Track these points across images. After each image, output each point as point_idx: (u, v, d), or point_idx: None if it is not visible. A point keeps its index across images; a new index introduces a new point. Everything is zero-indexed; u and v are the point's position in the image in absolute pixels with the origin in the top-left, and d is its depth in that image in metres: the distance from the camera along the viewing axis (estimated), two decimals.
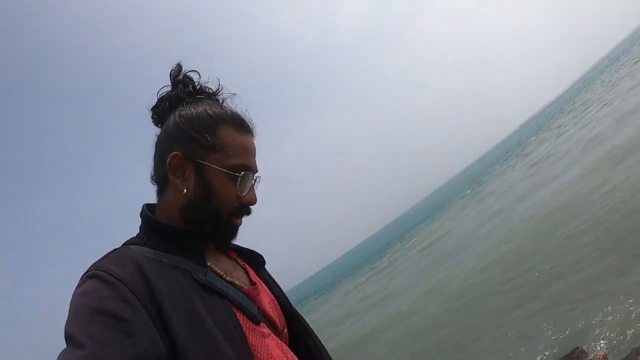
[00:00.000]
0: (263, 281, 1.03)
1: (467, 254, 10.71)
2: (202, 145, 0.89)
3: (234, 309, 0.86)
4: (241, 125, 0.93)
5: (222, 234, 0.93)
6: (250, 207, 0.94)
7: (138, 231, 0.92)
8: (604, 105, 16.87)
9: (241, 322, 0.84)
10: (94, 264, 0.80)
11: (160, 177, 0.92)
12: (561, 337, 4.44)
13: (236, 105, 0.96)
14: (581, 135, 14.59)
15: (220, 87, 0.97)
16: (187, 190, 0.88)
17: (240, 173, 0.90)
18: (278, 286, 1.07)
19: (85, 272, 0.79)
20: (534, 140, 29.29)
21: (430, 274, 11.92)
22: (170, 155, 0.88)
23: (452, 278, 9.70)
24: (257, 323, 0.88)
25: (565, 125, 21.98)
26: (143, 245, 0.86)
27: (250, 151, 0.93)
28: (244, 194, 0.91)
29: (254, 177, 0.94)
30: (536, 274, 6.35)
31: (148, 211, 0.92)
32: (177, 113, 0.91)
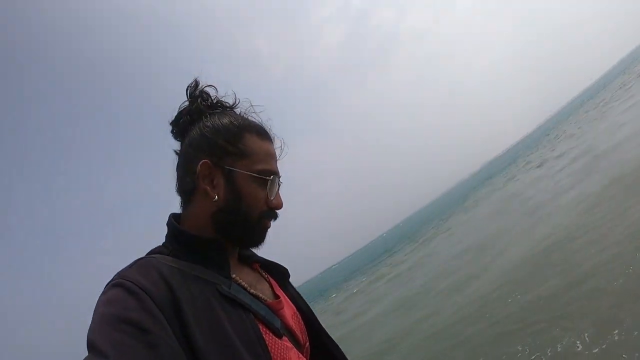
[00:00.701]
0: (287, 295, 1.03)
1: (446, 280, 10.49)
2: (229, 153, 0.91)
3: (257, 322, 0.86)
4: (264, 133, 0.96)
5: (251, 237, 0.94)
6: (277, 211, 0.96)
7: (164, 240, 0.92)
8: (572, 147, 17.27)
9: (264, 335, 0.84)
10: (118, 273, 0.80)
11: (187, 187, 0.92)
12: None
13: (254, 117, 0.99)
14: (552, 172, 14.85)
15: (238, 100, 1.00)
16: (218, 197, 0.90)
17: (269, 177, 0.92)
18: (304, 300, 1.07)
19: (110, 281, 0.79)
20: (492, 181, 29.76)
21: (400, 302, 11.56)
22: (200, 163, 0.90)
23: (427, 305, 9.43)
24: (279, 336, 0.89)
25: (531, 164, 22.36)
26: (168, 255, 0.86)
27: (273, 157, 0.96)
28: (272, 198, 0.93)
29: (279, 182, 0.96)
30: (510, 299, 6.37)
31: (174, 221, 0.92)
32: (201, 124, 0.94)
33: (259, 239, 0.94)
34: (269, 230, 0.95)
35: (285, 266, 1.06)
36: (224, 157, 0.91)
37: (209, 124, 0.93)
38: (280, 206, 0.95)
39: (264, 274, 1.02)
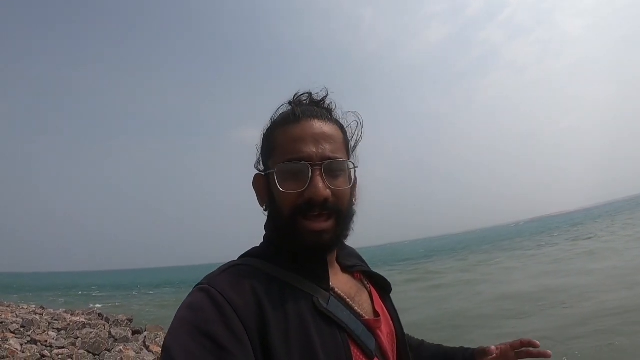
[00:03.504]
0: (386, 309, 0.97)
1: None
2: (266, 156, 0.88)
3: (351, 342, 0.80)
4: (290, 118, 0.85)
5: (294, 241, 0.82)
6: (324, 201, 0.80)
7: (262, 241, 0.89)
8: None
9: (354, 357, 0.79)
10: (208, 277, 0.78)
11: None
12: None
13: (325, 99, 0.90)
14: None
15: (320, 96, 0.91)
16: (265, 206, 0.88)
17: (293, 165, 0.81)
18: (398, 318, 0.98)
19: (199, 284, 0.77)
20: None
21: None
22: (253, 177, 0.90)
23: None
24: (370, 358, 0.83)
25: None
26: (266, 260, 0.83)
27: (298, 139, 0.82)
28: (304, 188, 0.80)
29: (311, 166, 0.80)
30: None
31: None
32: None
33: (304, 242, 0.80)
34: (325, 228, 0.80)
35: (388, 280, 0.98)
36: (263, 163, 0.88)
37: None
38: (315, 196, 0.79)
39: (366, 283, 0.95)
